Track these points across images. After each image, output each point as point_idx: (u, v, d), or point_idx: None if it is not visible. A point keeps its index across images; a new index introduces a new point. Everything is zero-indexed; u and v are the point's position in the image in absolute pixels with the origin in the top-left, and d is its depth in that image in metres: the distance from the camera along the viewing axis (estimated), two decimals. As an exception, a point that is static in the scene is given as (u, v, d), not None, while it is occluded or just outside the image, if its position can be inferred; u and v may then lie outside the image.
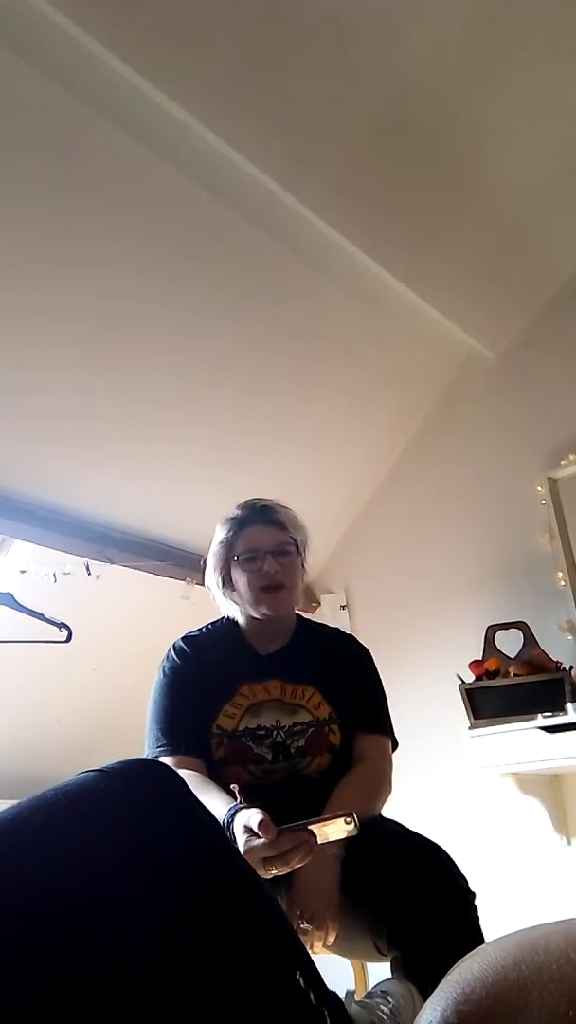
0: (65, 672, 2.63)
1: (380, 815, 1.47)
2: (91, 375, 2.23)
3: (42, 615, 2.35)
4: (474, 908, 1.23)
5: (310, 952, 1.24)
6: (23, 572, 2.46)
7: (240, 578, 1.56)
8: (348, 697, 1.55)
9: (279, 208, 2.10)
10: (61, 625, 2.38)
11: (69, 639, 2.39)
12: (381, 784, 1.50)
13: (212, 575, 1.60)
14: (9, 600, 2.33)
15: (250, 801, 1.25)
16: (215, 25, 1.71)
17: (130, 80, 1.71)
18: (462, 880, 1.25)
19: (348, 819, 1.14)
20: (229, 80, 1.81)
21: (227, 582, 1.59)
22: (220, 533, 1.60)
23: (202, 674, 1.53)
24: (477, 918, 1.22)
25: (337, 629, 1.76)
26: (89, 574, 2.50)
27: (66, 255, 1.98)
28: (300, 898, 1.25)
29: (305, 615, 1.76)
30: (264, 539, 1.56)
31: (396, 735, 1.61)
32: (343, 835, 1.16)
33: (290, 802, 1.35)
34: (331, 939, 1.25)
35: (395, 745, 1.60)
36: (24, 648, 2.39)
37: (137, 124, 1.83)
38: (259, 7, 1.72)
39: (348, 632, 1.76)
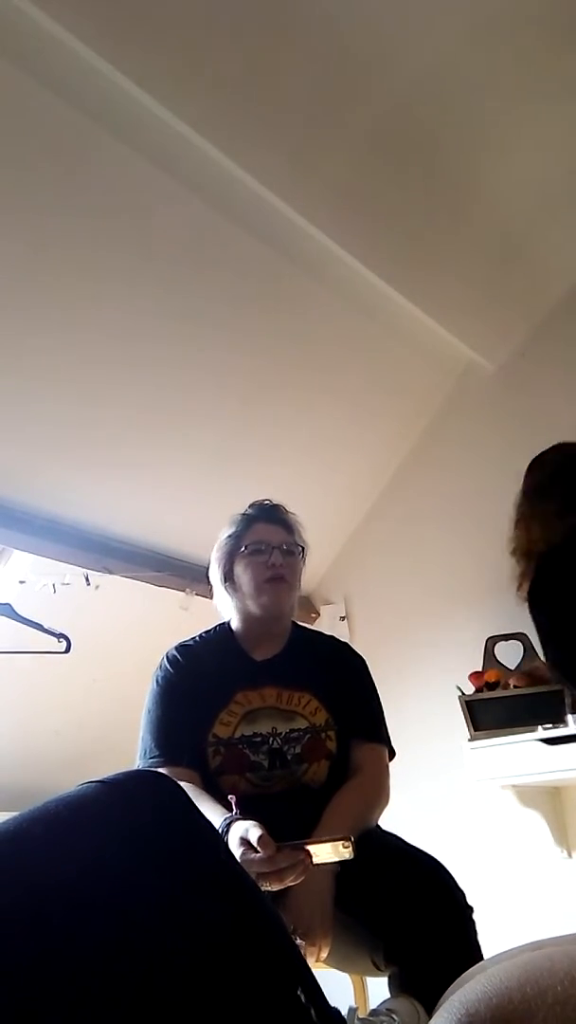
0: (64, 683, 2.62)
1: (379, 827, 1.46)
2: (91, 385, 2.23)
3: (41, 625, 2.35)
4: (472, 923, 1.22)
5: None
6: (22, 582, 2.46)
7: (244, 571, 1.58)
8: (345, 705, 1.55)
9: (278, 219, 2.11)
10: (60, 636, 2.37)
11: (68, 650, 2.38)
12: (379, 795, 1.50)
13: (215, 569, 1.63)
14: (8, 611, 2.33)
15: (246, 813, 1.24)
16: (215, 37, 1.72)
17: (130, 92, 1.72)
18: (460, 895, 1.24)
19: (346, 844, 1.14)
20: (229, 92, 1.82)
21: (229, 577, 1.61)
22: (229, 528, 1.64)
23: (196, 683, 1.52)
24: (475, 933, 1.21)
25: (333, 637, 1.76)
26: (88, 584, 2.49)
27: (66, 265, 1.99)
28: (294, 912, 1.24)
29: (301, 624, 1.76)
30: (273, 535, 1.60)
31: (393, 745, 1.60)
32: (339, 858, 1.17)
33: (290, 814, 1.35)
34: (324, 954, 1.24)
35: (392, 754, 1.59)
36: (23, 659, 2.38)
37: (137, 136, 1.84)
38: (259, 20, 1.73)
39: (344, 641, 1.76)
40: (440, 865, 1.27)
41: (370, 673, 1.66)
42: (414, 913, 1.19)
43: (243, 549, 1.59)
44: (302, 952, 1.20)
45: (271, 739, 1.47)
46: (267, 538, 1.59)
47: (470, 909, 1.23)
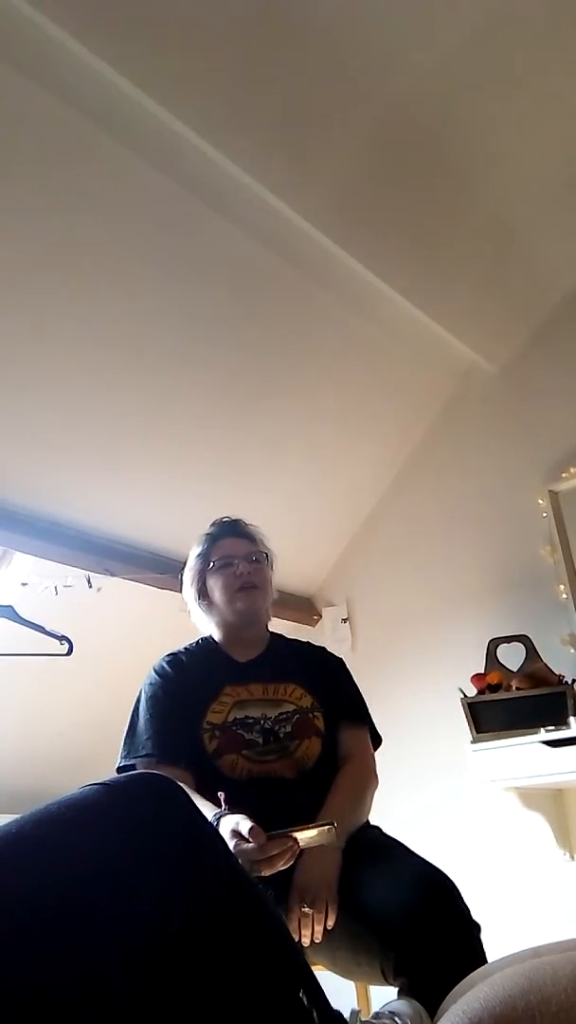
0: (66, 685, 2.62)
1: (390, 838, 1.50)
2: (92, 389, 2.23)
3: (43, 628, 2.35)
4: (479, 940, 1.24)
5: (311, 947, 1.27)
6: (24, 585, 2.46)
7: (216, 584, 1.68)
8: (328, 692, 1.65)
9: (279, 222, 2.11)
10: (62, 638, 2.38)
11: (70, 652, 2.38)
12: (369, 779, 1.59)
13: (188, 589, 1.74)
14: (10, 613, 2.33)
15: (249, 797, 1.33)
16: (215, 39, 1.72)
17: (130, 95, 1.72)
18: (467, 912, 1.26)
19: (330, 828, 1.25)
20: (229, 94, 1.82)
21: (203, 594, 1.71)
22: (196, 549, 1.75)
23: (184, 686, 1.60)
24: (483, 952, 1.24)
25: (308, 642, 1.85)
26: (90, 587, 2.50)
27: (67, 270, 1.99)
28: (301, 883, 1.31)
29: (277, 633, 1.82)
30: (237, 548, 1.70)
31: (378, 731, 1.69)
32: (323, 842, 1.27)
33: (289, 799, 1.43)
34: (331, 922, 1.28)
35: (378, 740, 1.68)
36: (25, 661, 2.38)
37: (138, 139, 1.84)
38: (259, 21, 1.73)
39: (323, 645, 1.84)
40: (448, 880, 1.29)
41: (348, 669, 1.75)
42: (424, 927, 1.20)
43: (211, 565, 1.69)
44: (311, 921, 1.26)
45: (263, 721, 1.55)
46: (233, 551, 1.69)
47: (477, 927, 1.25)
